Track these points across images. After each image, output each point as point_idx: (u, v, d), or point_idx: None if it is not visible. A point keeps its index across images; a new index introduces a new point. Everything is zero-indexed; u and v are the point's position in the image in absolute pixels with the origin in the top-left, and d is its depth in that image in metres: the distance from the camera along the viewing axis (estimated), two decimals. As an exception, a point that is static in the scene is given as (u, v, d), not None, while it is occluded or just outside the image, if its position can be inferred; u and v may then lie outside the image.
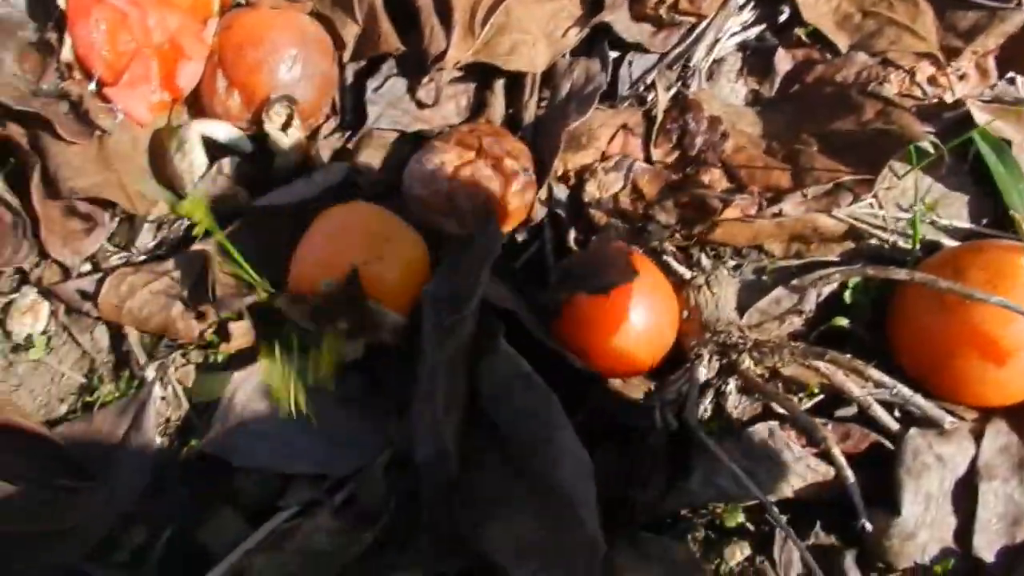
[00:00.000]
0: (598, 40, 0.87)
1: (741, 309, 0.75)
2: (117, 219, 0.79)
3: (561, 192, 0.82)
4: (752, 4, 0.89)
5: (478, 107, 0.86)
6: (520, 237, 0.81)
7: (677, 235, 0.77)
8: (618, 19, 0.86)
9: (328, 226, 0.72)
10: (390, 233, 0.73)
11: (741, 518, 0.70)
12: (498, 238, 0.73)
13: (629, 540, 0.68)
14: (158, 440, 0.70)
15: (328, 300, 0.70)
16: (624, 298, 0.71)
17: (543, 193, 0.81)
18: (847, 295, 0.78)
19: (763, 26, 0.90)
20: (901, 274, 0.72)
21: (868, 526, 0.66)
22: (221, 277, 0.72)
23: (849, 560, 0.68)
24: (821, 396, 0.73)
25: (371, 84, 0.84)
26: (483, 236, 0.75)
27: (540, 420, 0.67)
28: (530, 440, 0.67)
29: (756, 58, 0.89)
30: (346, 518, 0.71)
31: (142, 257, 0.78)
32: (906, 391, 0.69)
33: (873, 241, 0.80)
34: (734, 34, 0.89)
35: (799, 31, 0.89)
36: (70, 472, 0.67)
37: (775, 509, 0.66)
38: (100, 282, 0.74)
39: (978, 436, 0.69)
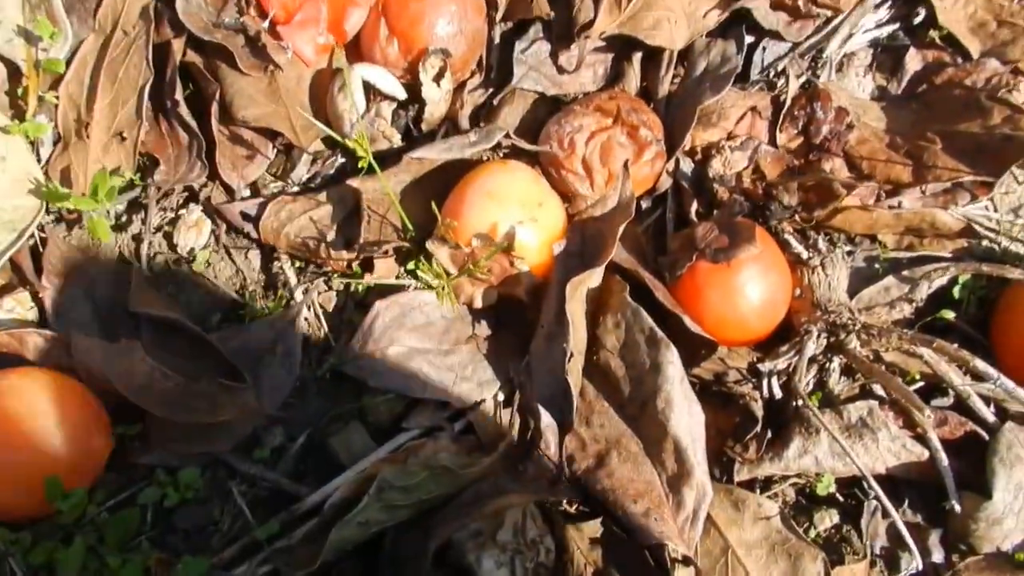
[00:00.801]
0: (735, 24, 0.89)
1: (851, 293, 0.78)
2: (276, 150, 0.85)
3: (687, 166, 0.86)
4: (889, 3, 0.91)
5: (614, 77, 0.89)
6: (644, 204, 0.85)
7: (796, 217, 0.81)
8: (758, 6, 0.89)
9: (488, 183, 0.77)
10: (543, 198, 0.78)
11: (832, 488, 0.74)
12: (631, 203, 0.77)
13: (726, 492, 0.72)
14: (301, 355, 0.77)
15: (477, 252, 0.75)
16: (743, 270, 0.75)
17: (670, 165, 0.84)
18: (955, 291, 0.80)
19: (897, 25, 0.92)
20: (1016, 273, 0.75)
21: (957, 507, 0.70)
22: (371, 214, 0.78)
23: (934, 538, 0.72)
24: (920, 384, 0.77)
25: (519, 45, 0.88)
26: (616, 199, 0.79)
27: (659, 372, 0.71)
28: (648, 390, 0.72)
29: (886, 55, 0.91)
30: (464, 444, 0.77)
31: (296, 188, 0.84)
32: (1009, 383, 0.72)
33: (985, 242, 0.82)
34: (868, 30, 0.91)
35: (932, 33, 0.90)
36: (224, 374, 0.74)
37: (874, 483, 0.70)
38: (261, 207, 0.80)
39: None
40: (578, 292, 0.73)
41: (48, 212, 0.81)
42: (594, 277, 0.74)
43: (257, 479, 0.73)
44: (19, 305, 0.76)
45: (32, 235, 0.78)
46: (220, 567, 0.69)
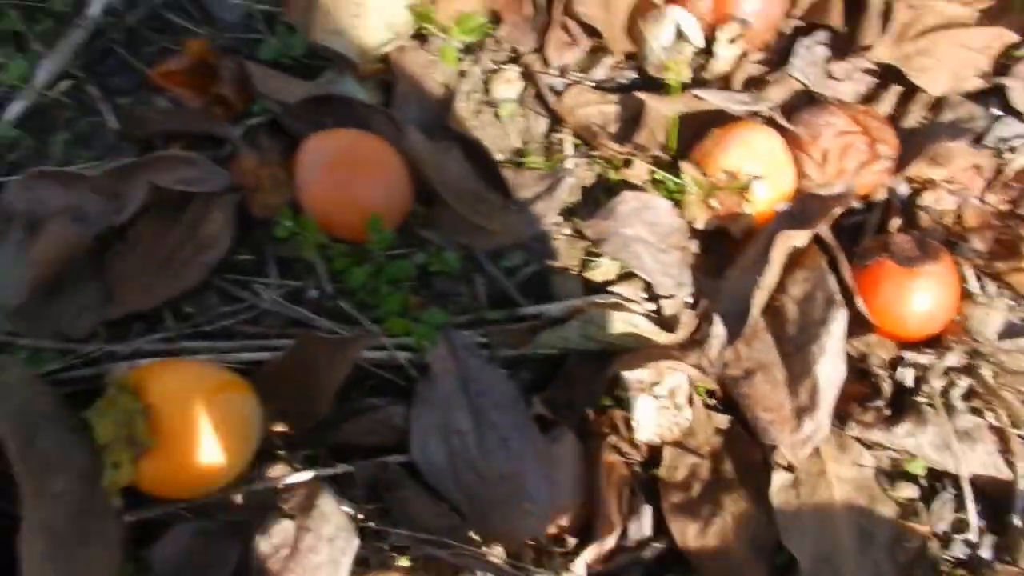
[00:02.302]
0: (989, 95, 1.04)
1: (1000, 336, 0.93)
2: (591, 47, 1.04)
3: (903, 189, 1.01)
4: None
5: (869, 97, 1.05)
6: (856, 205, 1.01)
7: (981, 261, 0.95)
8: (1014, 87, 1.02)
9: (749, 136, 0.94)
10: (785, 165, 0.96)
11: (920, 471, 0.90)
12: (851, 195, 0.93)
13: (837, 436, 0.89)
14: (562, 206, 0.97)
15: (718, 183, 0.93)
16: (920, 279, 0.89)
17: (890, 182, 1.00)
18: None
19: None
20: None
21: (1019, 523, 0.85)
22: (647, 125, 0.97)
23: (988, 540, 0.87)
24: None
25: (803, 41, 1.05)
26: (841, 188, 0.95)
27: (825, 326, 0.87)
28: (809, 336, 0.87)
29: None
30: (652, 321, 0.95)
31: (591, 83, 1.03)
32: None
33: None
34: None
35: None
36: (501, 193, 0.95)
37: (967, 481, 0.85)
38: (566, 86, 1.00)
39: None
40: (785, 243, 0.89)
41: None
42: (802, 237, 0.91)
43: (495, 280, 0.95)
44: (369, 88, 0.99)
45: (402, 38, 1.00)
46: (453, 325, 0.90)
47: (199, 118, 0.96)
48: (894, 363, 0.93)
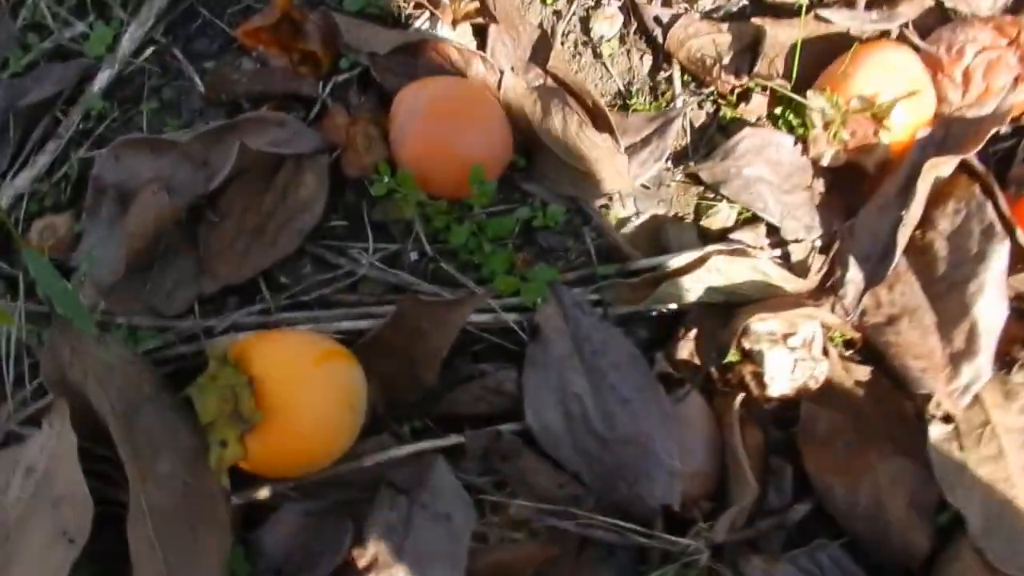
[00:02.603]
0: None
1: None
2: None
3: (1058, 108, 0.90)
4: None
5: (1017, 7, 0.93)
6: (1003, 130, 0.90)
7: None
8: None
9: (885, 56, 0.85)
10: (925, 86, 0.86)
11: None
12: (1007, 114, 0.82)
13: (1000, 382, 0.79)
14: (672, 149, 0.89)
15: (853, 110, 0.84)
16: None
17: (1044, 101, 0.89)
18: None
19: None
20: None
21: None
22: (770, 51, 0.88)
23: None
24: None
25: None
26: (993, 107, 0.84)
27: (983, 262, 0.78)
28: (964, 274, 0.78)
29: None
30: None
31: (698, 14, 0.95)
32: None
33: None
34: None
35: None
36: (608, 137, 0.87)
37: None
38: (673, 17, 0.91)
39: None
40: (932, 172, 0.80)
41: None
42: (950, 164, 0.81)
43: (605, 232, 0.87)
44: (463, 34, 0.92)
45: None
46: (563, 282, 0.84)
47: (286, 77, 0.91)
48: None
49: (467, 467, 0.81)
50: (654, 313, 0.85)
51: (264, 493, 0.78)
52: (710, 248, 0.82)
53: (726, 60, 0.88)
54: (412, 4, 0.95)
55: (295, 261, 0.87)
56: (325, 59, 0.92)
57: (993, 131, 0.80)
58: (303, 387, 0.71)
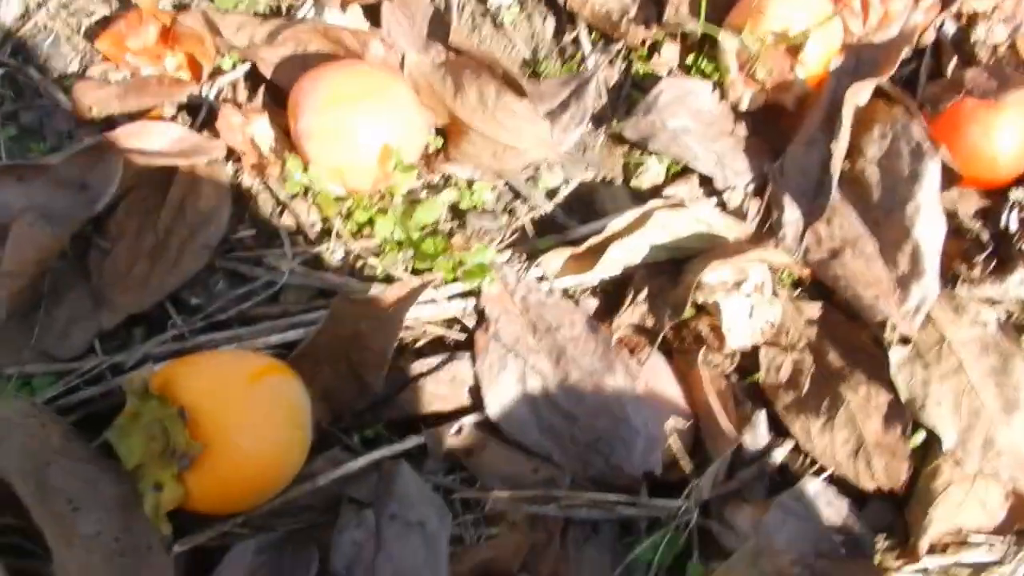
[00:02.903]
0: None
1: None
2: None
3: (950, 28, 0.91)
4: None
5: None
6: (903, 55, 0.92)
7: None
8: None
9: None
10: (831, 14, 0.84)
11: (1038, 322, 0.81)
12: (914, 32, 0.84)
13: (947, 298, 0.80)
14: (592, 111, 0.86)
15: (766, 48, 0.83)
16: (1008, 110, 0.80)
17: (937, 21, 0.90)
18: None
19: None
20: None
21: None
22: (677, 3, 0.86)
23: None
24: None
25: None
26: (899, 28, 0.85)
27: (917, 182, 0.78)
28: (900, 197, 0.78)
29: None
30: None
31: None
32: None
33: None
34: None
35: None
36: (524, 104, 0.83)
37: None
38: (577, -25, 0.88)
39: None
40: (854, 100, 0.80)
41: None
42: (868, 89, 0.81)
43: (538, 206, 0.83)
44: (353, 17, 0.86)
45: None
46: (501, 262, 0.79)
47: (163, 84, 0.82)
48: (984, 213, 0.84)
49: (431, 468, 0.75)
50: (597, 283, 0.82)
51: (209, 535, 0.69)
52: (651, 204, 0.79)
53: (632, 12, 0.86)
54: (292, -8, 0.89)
55: (205, 279, 0.79)
56: (205, 60, 0.84)
57: (904, 52, 0.81)
58: (241, 409, 0.63)
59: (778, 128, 0.87)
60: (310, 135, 0.76)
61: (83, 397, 0.74)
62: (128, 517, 0.67)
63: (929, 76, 0.90)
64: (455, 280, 0.77)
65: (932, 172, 0.77)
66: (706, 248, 0.80)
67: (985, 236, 0.81)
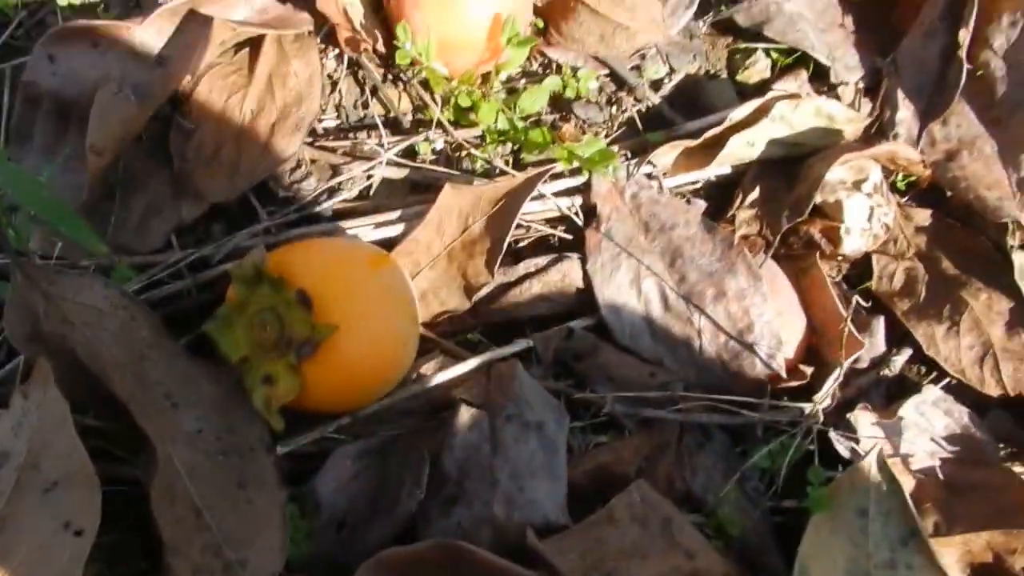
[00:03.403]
0: None
1: None
2: None
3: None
4: None
5: None
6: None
7: None
8: None
9: None
10: None
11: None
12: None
13: None
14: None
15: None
16: None
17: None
18: None
19: None
20: None
21: None
22: None
23: None
24: None
25: None
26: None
27: None
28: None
29: None
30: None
31: None
32: None
33: None
34: None
35: None
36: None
37: None
38: None
39: None
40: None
41: None
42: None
43: (644, 97, 0.78)
44: None
45: None
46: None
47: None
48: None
49: (538, 374, 0.70)
50: (702, 183, 0.77)
51: (312, 437, 0.64)
52: (772, 94, 0.74)
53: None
54: None
55: (292, 169, 0.73)
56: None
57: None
58: (365, 296, 0.58)
59: (888, 21, 0.82)
60: (417, 1, 0.69)
61: (166, 294, 0.68)
62: (229, 416, 0.62)
63: None
64: (565, 173, 0.72)
65: (1070, 62, 0.73)
66: (822, 146, 0.76)
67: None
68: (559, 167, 0.71)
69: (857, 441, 0.69)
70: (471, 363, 0.67)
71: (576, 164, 0.70)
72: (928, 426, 0.71)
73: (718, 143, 0.73)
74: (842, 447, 0.70)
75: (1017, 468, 0.70)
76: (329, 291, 0.56)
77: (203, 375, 0.63)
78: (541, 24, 0.77)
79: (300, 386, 0.57)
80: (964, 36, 0.74)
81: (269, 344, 0.59)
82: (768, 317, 0.69)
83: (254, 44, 0.71)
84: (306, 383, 0.58)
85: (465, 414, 0.66)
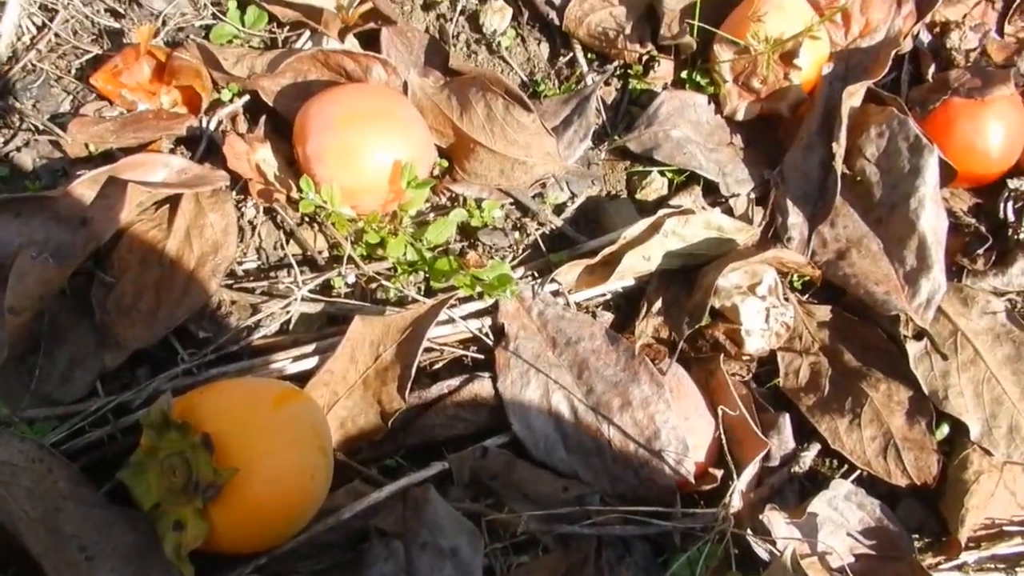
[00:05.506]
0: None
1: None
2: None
3: (925, 37, 0.92)
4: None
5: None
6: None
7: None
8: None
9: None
10: (817, 24, 0.86)
11: (1045, 309, 0.81)
12: (899, 36, 0.84)
13: (956, 290, 0.78)
14: (595, 126, 0.84)
15: (761, 57, 0.82)
16: (995, 106, 0.80)
17: (914, 30, 0.91)
18: None
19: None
20: None
21: None
22: (669, 13, 0.85)
23: None
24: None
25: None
26: (885, 33, 0.86)
27: (918, 175, 0.77)
28: (901, 193, 0.77)
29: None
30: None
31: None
32: None
33: None
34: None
35: None
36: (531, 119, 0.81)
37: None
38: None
39: None
40: (851, 99, 0.79)
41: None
42: (863, 89, 0.81)
43: (547, 221, 0.81)
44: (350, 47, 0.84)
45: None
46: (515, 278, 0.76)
47: (162, 118, 0.79)
48: (977, 208, 0.84)
49: (456, 495, 0.70)
50: (610, 296, 0.79)
51: (231, 578, 0.64)
52: (662, 212, 0.77)
53: (628, 30, 0.85)
54: (287, 28, 0.86)
55: (212, 311, 0.74)
56: (204, 93, 0.81)
57: (892, 51, 0.82)
58: (269, 434, 0.59)
59: (773, 137, 0.86)
60: (321, 156, 0.73)
61: (89, 441, 0.68)
62: (145, 564, 0.62)
63: (910, 82, 0.91)
64: (474, 297, 0.74)
65: (932, 165, 0.76)
66: (717, 254, 0.78)
67: (983, 229, 0.81)
68: (463, 292, 0.73)
69: (774, 543, 0.69)
70: (386, 491, 0.67)
71: (479, 289, 0.72)
72: (843, 521, 0.71)
73: (615, 259, 0.75)
74: (760, 549, 0.70)
75: (930, 559, 0.70)
76: (230, 432, 0.57)
77: (120, 523, 0.62)
78: (446, 164, 0.81)
79: (209, 530, 0.57)
80: (837, 148, 0.78)
81: (178, 489, 0.59)
82: (673, 423, 0.70)
83: (173, 201, 0.74)
84: (215, 526, 0.57)
85: (379, 546, 0.66)
